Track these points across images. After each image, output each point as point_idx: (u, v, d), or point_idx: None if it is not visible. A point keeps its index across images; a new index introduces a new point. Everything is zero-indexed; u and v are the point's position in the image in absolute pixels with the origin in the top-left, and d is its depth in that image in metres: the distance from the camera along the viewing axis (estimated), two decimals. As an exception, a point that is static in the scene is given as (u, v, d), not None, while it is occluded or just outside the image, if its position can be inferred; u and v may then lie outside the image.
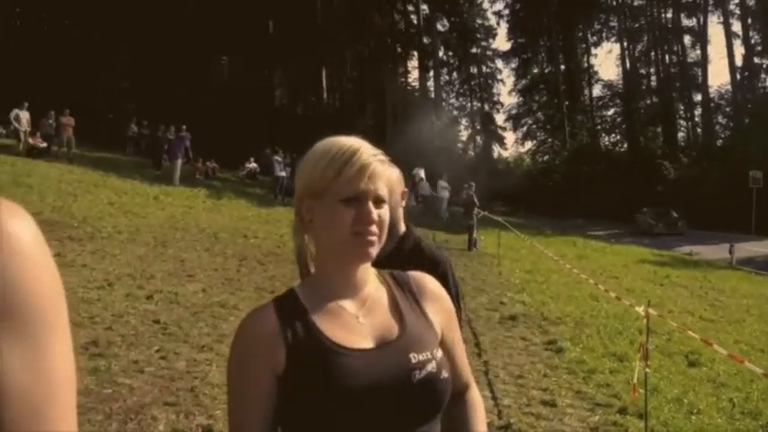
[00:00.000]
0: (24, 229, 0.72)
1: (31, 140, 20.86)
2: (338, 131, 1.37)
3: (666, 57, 52.06)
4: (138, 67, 31.71)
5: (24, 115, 20.81)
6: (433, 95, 51.16)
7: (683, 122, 52.13)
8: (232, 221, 16.16)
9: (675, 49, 51.39)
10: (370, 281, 1.41)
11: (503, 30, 57.16)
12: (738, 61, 46.82)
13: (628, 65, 53.02)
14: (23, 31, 28.96)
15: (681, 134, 51.52)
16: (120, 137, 25.85)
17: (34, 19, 29.35)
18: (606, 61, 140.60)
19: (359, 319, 1.34)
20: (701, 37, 49.43)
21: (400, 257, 2.19)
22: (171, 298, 8.24)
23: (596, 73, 59.48)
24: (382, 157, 1.36)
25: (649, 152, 44.53)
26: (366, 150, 1.34)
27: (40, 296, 0.70)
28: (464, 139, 56.80)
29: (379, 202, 1.33)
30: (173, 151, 22.02)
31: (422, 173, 26.08)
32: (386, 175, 1.36)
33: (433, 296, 1.47)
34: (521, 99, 56.23)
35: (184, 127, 22.92)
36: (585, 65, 55.50)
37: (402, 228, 2.38)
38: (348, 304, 1.36)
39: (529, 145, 56.91)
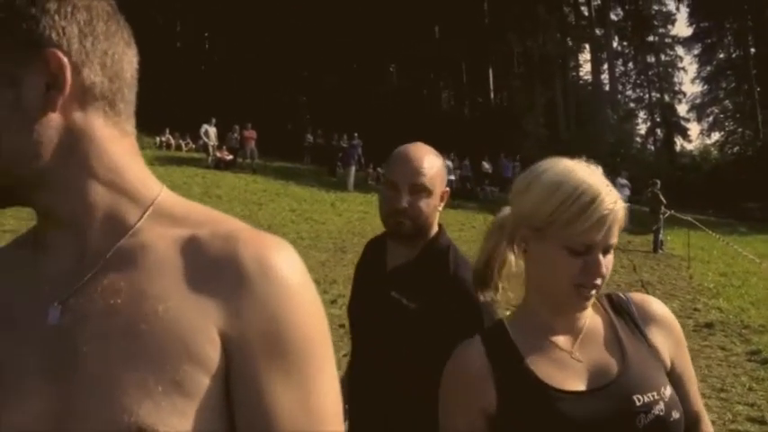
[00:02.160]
0: (290, 263, 0.72)
1: (218, 154, 22.56)
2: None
3: None
4: (314, 82, 33.36)
5: (212, 130, 22.54)
6: (607, 88, 49.03)
7: None
8: (405, 226, 16.39)
9: None
10: (585, 311, 1.28)
11: (682, 14, 53.61)
12: None
13: (831, 42, 47.45)
14: (210, 55, 31.78)
15: None
16: (297, 147, 27.28)
17: (220, 46, 32.12)
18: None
19: (573, 355, 1.22)
20: None
21: (418, 268, 1.89)
22: (352, 302, 8.49)
23: (792, 54, 53.62)
24: (619, 197, 1.20)
25: None
26: (606, 195, 1.17)
27: (310, 332, 0.71)
28: (643, 132, 53.82)
29: (608, 250, 1.18)
30: (346, 159, 23.05)
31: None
32: (621, 218, 1.19)
33: (658, 320, 1.30)
34: (705, 87, 52.16)
35: (356, 135, 23.97)
36: (779, 46, 50.43)
37: (433, 230, 1.97)
38: (561, 339, 1.24)
39: (716, 136, 52.67)
